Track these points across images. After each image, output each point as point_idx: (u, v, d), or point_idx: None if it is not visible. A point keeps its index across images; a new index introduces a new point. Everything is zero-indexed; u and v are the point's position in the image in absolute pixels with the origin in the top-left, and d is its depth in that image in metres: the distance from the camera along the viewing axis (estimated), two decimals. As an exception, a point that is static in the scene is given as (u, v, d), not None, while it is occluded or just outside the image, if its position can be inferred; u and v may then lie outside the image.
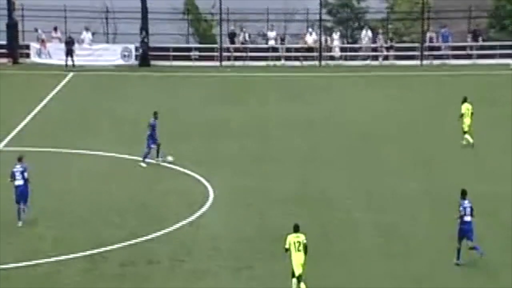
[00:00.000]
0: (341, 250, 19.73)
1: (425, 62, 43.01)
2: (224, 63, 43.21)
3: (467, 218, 18.76)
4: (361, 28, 45.21)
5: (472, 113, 27.74)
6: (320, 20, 44.31)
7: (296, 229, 17.16)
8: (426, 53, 43.06)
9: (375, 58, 43.47)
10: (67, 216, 22.07)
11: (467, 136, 27.52)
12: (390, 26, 45.49)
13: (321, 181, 24.85)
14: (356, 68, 42.12)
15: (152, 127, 26.31)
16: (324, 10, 45.14)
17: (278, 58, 43.43)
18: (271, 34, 43.87)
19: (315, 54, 43.27)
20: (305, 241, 16.94)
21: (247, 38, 43.82)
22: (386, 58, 43.43)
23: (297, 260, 16.78)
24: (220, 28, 44.19)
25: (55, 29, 42.84)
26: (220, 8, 43.63)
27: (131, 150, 27.65)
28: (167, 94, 36.87)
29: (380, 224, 21.23)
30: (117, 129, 30.87)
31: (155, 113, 26.60)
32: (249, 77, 40.65)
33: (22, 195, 21.43)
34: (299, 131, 30.48)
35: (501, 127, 30.45)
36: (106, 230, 20.99)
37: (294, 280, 16.88)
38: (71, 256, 19.32)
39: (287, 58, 43.53)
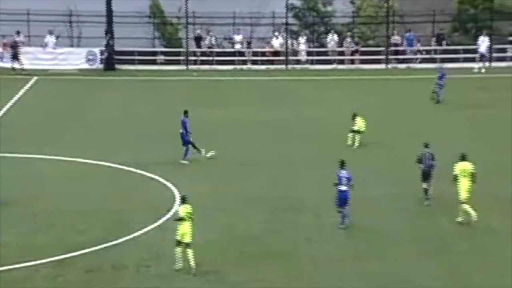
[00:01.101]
0: (310, 253, 19.71)
1: (390, 66, 43.36)
2: (190, 67, 43.06)
3: (342, 187, 20.69)
4: (327, 32, 45.41)
5: (365, 124, 28.53)
6: (287, 24, 44.44)
7: (184, 201, 18.78)
8: (391, 57, 43.41)
9: (341, 62, 43.70)
10: (33, 222, 21.72)
11: (350, 135, 28.42)
12: (356, 30, 45.77)
13: (290, 183, 24.84)
14: (322, 72, 42.29)
15: (184, 125, 26.60)
16: (290, 14, 45.26)
17: (244, 62, 43.44)
18: (238, 38, 43.84)
19: (281, 58, 43.35)
20: (191, 212, 18.52)
21: (213, 42, 43.73)
22: (352, 62, 43.68)
23: (185, 229, 18.37)
24: (186, 32, 44.04)
25: (18, 32, 42.22)
26: (186, 12, 43.48)
27: (96, 155, 27.35)
28: (133, 98, 36.59)
29: (350, 227, 21.26)
30: (82, 134, 30.53)
31: (186, 112, 26.83)
32: (216, 81, 40.57)
33: None
34: (267, 134, 30.45)
35: (468, 129, 30.83)
36: (72, 236, 20.70)
37: (179, 249, 18.37)
38: (37, 262, 19.00)
39: (254, 62, 43.54)
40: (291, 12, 45.54)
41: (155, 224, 21.47)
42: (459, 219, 21.29)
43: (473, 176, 21.14)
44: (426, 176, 22.48)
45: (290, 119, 32.58)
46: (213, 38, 43.75)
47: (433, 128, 30.46)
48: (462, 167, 21.25)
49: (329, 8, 46.90)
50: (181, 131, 26.75)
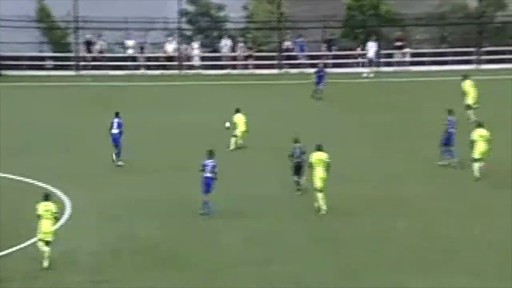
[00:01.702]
0: (208, 258, 19.48)
1: (283, 70, 43.87)
2: (81, 72, 42.04)
3: (207, 174, 22.19)
4: (220, 37, 45.45)
5: (245, 122, 29.07)
6: (179, 29, 44.15)
7: (46, 198, 19.31)
8: (284, 62, 43.93)
9: (235, 67, 43.83)
10: None
11: (233, 140, 28.86)
12: (249, 35, 46.03)
13: (186, 188, 24.55)
14: (216, 77, 42.27)
15: (119, 126, 26.61)
16: (183, 19, 45.02)
17: (138, 67, 42.83)
18: (130, 42, 43.18)
19: (175, 63, 43.05)
20: (54, 211, 19.12)
21: (104, 46, 42.89)
22: (245, 67, 43.90)
23: (46, 227, 18.94)
24: (76, 37, 42.96)
25: None
26: (76, 16, 42.41)
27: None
28: (20, 105, 35.33)
29: (244, 229, 21.23)
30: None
31: (117, 113, 26.89)
32: (109, 87, 39.74)
33: None
34: (162, 139, 30.09)
35: (357, 132, 31.56)
36: (-45, 249, 19.64)
37: (41, 243, 18.85)
38: None
39: (148, 67, 43.00)
40: (184, 17, 45.30)
41: (45, 234, 20.67)
42: (316, 204, 22.20)
43: (328, 166, 22.21)
44: (297, 169, 23.63)
45: (185, 124, 32.32)
46: (104, 43, 42.89)
47: (325, 131, 30.92)
48: (318, 157, 22.23)
49: (222, 13, 46.96)
50: (115, 131, 26.52)
